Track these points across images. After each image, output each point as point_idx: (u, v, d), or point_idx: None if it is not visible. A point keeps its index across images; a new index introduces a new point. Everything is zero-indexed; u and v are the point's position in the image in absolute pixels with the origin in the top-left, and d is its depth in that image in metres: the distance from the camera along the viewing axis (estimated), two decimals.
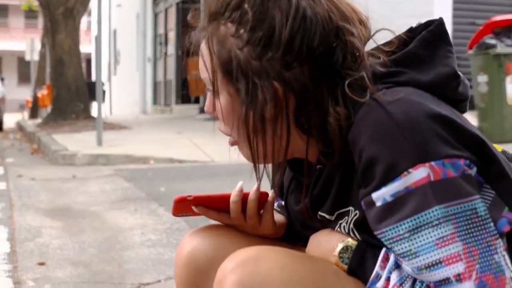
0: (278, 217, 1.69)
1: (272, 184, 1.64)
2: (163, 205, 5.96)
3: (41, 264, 4.17)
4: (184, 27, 23.49)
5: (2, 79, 24.67)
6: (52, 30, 17.08)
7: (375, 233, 1.34)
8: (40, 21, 32.68)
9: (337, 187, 1.44)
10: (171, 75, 23.46)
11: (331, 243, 1.46)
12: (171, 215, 5.75)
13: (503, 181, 1.38)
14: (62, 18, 16.94)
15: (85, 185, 7.56)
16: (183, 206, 1.62)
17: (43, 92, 21.62)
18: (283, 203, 1.69)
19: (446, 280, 1.27)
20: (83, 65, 18.17)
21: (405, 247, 1.30)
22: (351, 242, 1.44)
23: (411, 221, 1.28)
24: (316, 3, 1.40)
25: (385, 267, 1.36)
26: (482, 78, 9.38)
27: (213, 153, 9.59)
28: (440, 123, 1.32)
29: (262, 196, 1.62)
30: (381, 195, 1.31)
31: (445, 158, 1.29)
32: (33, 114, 24.38)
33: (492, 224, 1.30)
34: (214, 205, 1.64)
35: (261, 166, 1.51)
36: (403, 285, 1.34)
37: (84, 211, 6.04)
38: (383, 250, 1.38)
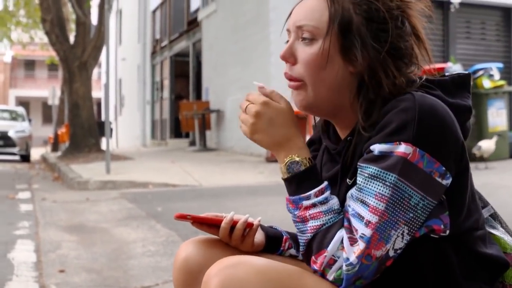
0: (258, 238, 1.69)
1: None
2: (160, 222, 5.95)
3: (62, 271, 4.15)
4: (176, 76, 23.55)
5: (30, 120, 24.43)
6: (70, 79, 17.04)
7: (358, 163, 1.43)
8: (60, 73, 32.56)
9: (359, 155, 1.48)
10: (166, 114, 23.44)
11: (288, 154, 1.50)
12: (167, 230, 5.75)
13: (451, 198, 1.44)
14: (78, 70, 16.91)
15: (96, 206, 7.52)
16: (182, 219, 1.63)
17: (62, 130, 21.52)
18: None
19: (361, 218, 1.39)
20: (95, 107, 18.09)
21: (361, 181, 1.41)
22: (304, 160, 1.48)
23: (375, 170, 1.39)
24: (410, 15, 1.50)
25: (317, 196, 1.44)
26: None
27: (200, 178, 9.56)
28: (448, 132, 1.41)
29: (247, 225, 1.64)
30: (375, 148, 1.40)
31: (427, 154, 1.38)
32: (54, 148, 24.19)
33: (412, 215, 1.38)
34: (208, 222, 1.65)
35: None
36: (324, 215, 1.43)
37: (96, 227, 6.02)
38: (324, 183, 1.46)
